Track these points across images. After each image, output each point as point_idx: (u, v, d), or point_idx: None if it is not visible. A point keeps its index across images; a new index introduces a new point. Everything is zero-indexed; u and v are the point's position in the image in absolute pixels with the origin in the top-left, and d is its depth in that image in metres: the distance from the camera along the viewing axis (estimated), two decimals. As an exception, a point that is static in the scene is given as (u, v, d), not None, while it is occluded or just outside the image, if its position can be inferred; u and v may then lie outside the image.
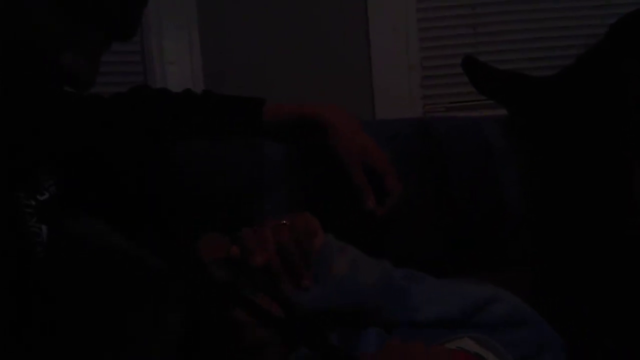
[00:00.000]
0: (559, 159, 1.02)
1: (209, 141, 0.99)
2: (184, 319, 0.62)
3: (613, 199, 0.93)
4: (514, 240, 1.07)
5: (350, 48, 1.54)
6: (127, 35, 0.59)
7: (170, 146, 0.95)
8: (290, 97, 1.01)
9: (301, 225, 0.74)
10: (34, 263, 0.62)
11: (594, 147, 0.97)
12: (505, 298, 0.79)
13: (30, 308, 0.57)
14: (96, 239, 0.62)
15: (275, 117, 0.96)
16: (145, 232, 0.74)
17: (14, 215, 0.62)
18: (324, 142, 0.95)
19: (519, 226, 1.07)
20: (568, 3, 1.56)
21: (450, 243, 1.07)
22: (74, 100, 0.80)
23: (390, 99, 1.51)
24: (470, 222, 1.07)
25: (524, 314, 0.79)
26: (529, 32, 1.57)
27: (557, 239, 1.01)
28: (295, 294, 0.72)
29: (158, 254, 0.65)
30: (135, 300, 0.60)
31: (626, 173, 0.92)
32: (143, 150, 0.90)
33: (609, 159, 0.95)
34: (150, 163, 0.89)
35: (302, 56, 1.53)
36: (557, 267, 1.00)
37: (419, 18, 1.55)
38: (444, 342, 0.69)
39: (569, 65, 1.05)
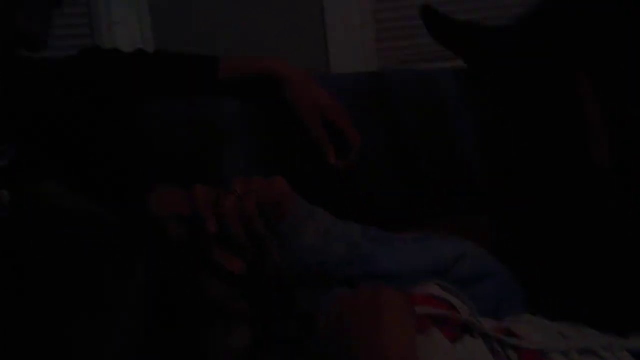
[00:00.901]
0: (515, 110, 1.04)
1: (166, 99, 0.97)
2: (147, 278, 0.62)
3: (569, 148, 0.96)
4: (469, 189, 1.10)
5: (303, 1, 1.51)
6: None
7: (126, 106, 0.94)
8: (242, 52, 1.00)
9: (269, 194, 0.74)
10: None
11: (551, 97, 0.99)
12: (471, 252, 0.81)
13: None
14: (57, 202, 0.61)
15: (231, 73, 0.94)
16: (104, 192, 0.72)
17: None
18: (281, 97, 0.95)
19: (474, 176, 1.09)
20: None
21: (408, 193, 1.08)
22: (27, 64, 0.78)
23: (344, 52, 1.50)
24: (425, 173, 1.09)
25: (487, 268, 0.81)
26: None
27: (513, 186, 1.03)
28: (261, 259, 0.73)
29: (117, 213, 0.64)
30: (98, 261, 0.60)
31: (583, 119, 0.94)
32: (99, 112, 0.88)
33: (565, 107, 0.97)
34: (107, 124, 0.87)
35: (255, 10, 1.50)
36: (512, 214, 1.02)
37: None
38: (412, 288, 0.71)
39: (526, 12, 1.06)
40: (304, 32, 1.51)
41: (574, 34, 0.97)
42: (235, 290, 0.67)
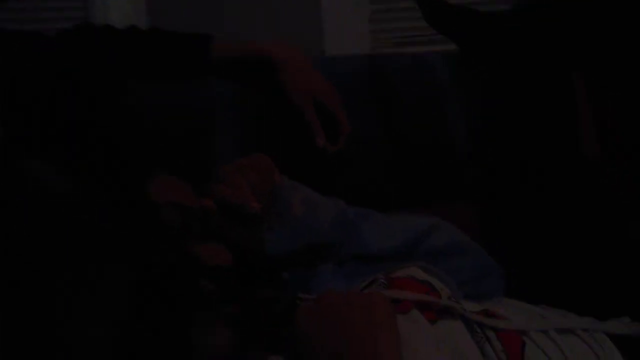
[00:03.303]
0: (506, 97, 1.04)
1: (159, 81, 0.97)
2: (136, 263, 0.63)
3: (559, 137, 0.97)
4: (460, 174, 1.10)
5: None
6: None
7: (118, 86, 0.94)
8: (237, 33, 0.99)
9: (260, 166, 0.75)
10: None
11: (543, 87, 0.99)
12: (445, 228, 0.82)
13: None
14: (43, 181, 0.62)
15: (224, 54, 0.94)
16: (95, 174, 0.73)
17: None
18: (274, 80, 0.95)
19: (465, 160, 1.10)
20: None
21: (398, 177, 1.09)
22: (16, 39, 0.78)
23: (339, 35, 1.50)
24: (416, 157, 1.09)
25: (463, 243, 0.83)
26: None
27: (503, 174, 1.04)
28: (259, 238, 0.73)
29: (109, 197, 0.64)
30: (85, 243, 0.60)
31: (574, 110, 0.95)
32: (91, 91, 0.88)
33: (556, 98, 0.98)
34: (99, 104, 0.88)
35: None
36: (502, 200, 1.03)
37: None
38: (393, 271, 0.72)
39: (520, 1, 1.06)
40: (298, 15, 1.50)
41: (567, 28, 0.98)
42: (222, 285, 0.68)
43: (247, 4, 1.48)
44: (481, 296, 0.78)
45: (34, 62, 0.83)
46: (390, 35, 1.53)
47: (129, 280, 0.60)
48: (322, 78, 0.96)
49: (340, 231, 0.77)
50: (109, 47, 0.92)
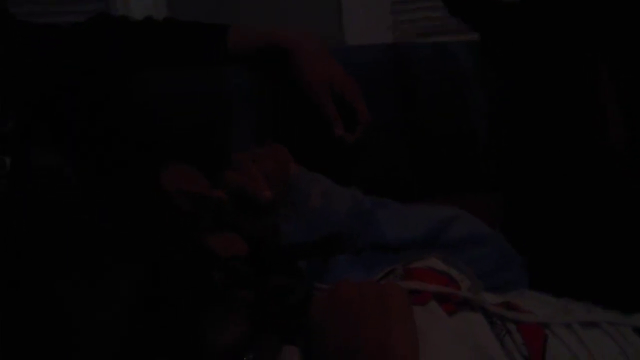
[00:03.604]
0: (529, 86, 1.02)
1: (174, 70, 0.97)
2: (149, 251, 0.62)
3: (582, 127, 0.94)
4: (481, 164, 1.08)
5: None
6: None
7: (133, 76, 0.93)
8: (256, 21, 0.98)
9: (276, 157, 0.73)
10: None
11: (566, 76, 0.97)
12: (465, 218, 0.81)
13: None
14: (55, 170, 0.62)
15: (241, 44, 0.93)
16: (107, 164, 0.73)
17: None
18: (291, 69, 0.94)
19: (486, 151, 1.08)
20: None
21: (418, 168, 1.07)
22: (32, 31, 0.78)
23: (360, 25, 1.48)
24: (437, 147, 1.08)
25: (483, 233, 0.81)
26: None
27: (524, 165, 1.02)
28: (274, 228, 0.72)
29: (122, 187, 0.64)
30: (98, 233, 0.60)
31: (597, 98, 0.92)
32: (105, 81, 0.88)
33: (579, 87, 0.96)
34: (113, 94, 0.87)
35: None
36: (524, 190, 1.01)
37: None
38: (412, 261, 0.71)
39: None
40: (319, 5, 1.49)
41: (590, 15, 0.95)
42: (235, 275, 0.67)
43: (267, -5, 1.47)
44: (502, 288, 0.76)
45: (48, 54, 0.83)
46: (412, 25, 1.51)
47: (140, 272, 0.59)
48: (340, 67, 0.95)
49: (357, 221, 0.76)
50: (124, 37, 0.92)
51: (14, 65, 0.67)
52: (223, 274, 0.67)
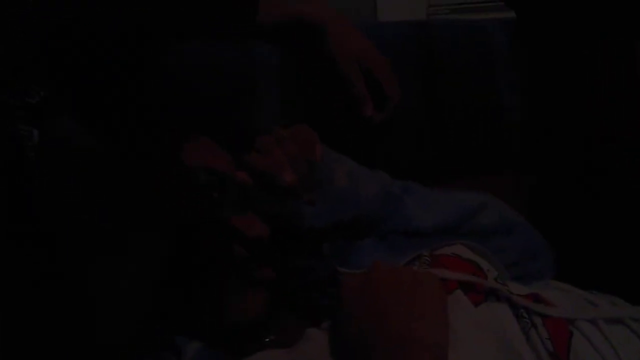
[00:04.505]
0: (564, 63, 0.99)
1: (200, 43, 0.95)
2: (171, 226, 0.62)
3: (619, 111, 0.91)
4: (510, 146, 1.06)
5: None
6: None
7: (160, 47, 0.92)
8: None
9: (301, 137, 0.72)
10: (26, 167, 0.61)
11: (604, 51, 0.94)
12: (494, 205, 0.79)
13: (24, 212, 0.57)
14: (83, 143, 0.61)
15: (270, 18, 0.91)
16: (132, 135, 0.72)
17: (3, 118, 0.61)
18: (320, 45, 0.92)
19: (516, 132, 1.06)
20: None
21: (445, 149, 1.06)
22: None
23: (393, 2, 1.45)
24: (465, 128, 1.06)
25: (512, 221, 0.79)
26: None
27: (557, 148, 1.00)
28: (298, 211, 0.71)
29: (144, 158, 0.63)
30: (122, 205, 0.60)
31: (635, 77, 0.90)
32: (133, 52, 0.87)
33: (618, 62, 0.93)
34: (141, 66, 0.87)
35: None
36: (554, 176, 0.99)
37: None
38: (438, 248, 0.70)
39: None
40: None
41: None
42: (257, 253, 0.67)
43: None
44: (529, 277, 0.74)
45: (77, 23, 0.82)
46: (445, 1, 1.48)
47: (164, 248, 0.59)
48: (369, 43, 0.93)
49: (383, 205, 0.74)
50: (152, 6, 0.90)
51: (41, 34, 0.66)
52: (244, 251, 0.66)
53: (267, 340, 0.67)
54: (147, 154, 0.63)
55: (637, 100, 0.91)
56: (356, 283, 0.58)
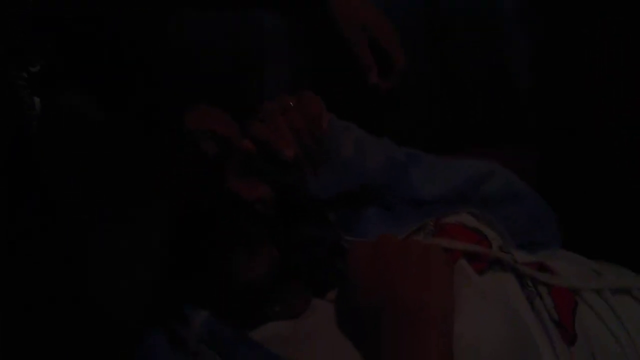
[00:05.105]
0: (579, 30, 0.97)
1: (205, 10, 0.94)
2: (174, 193, 0.61)
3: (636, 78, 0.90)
4: (519, 115, 1.05)
5: None
6: None
7: (164, 15, 0.91)
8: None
9: (308, 107, 0.70)
10: (28, 135, 0.61)
11: (619, 17, 0.92)
12: (501, 173, 0.78)
13: (26, 182, 0.57)
14: (85, 112, 0.61)
15: None
16: (136, 104, 0.71)
17: (5, 87, 0.61)
18: (325, 13, 0.90)
19: (524, 101, 1.05)
20: None
21: (452, 118, 1.05)
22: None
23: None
24: (473, 96, 1.05)
25: (518, 190, 0.78)
26: None
27: (568, 118, 0.98)
28: (302, 181, 0.71)
29: (147, 126, 0.63)
30: (124, 174, 0.59)
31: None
32: (136, 19, 0.86)
33: (635, 29, 0.91)
34: (143, 32, 0.85)
35: None
36: (563, 147, 0.98)
37: None
38: (443, 217, 0.69)
39: None
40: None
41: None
42: (258, 217, 0.66)
43: None
44: (535, 246, 0.74)
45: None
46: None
47: (166, 212, 0.59)
48: (376, 10, 0.91)
49: (389, 174, 0.73)
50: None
51: (42, 3, 0.66)
52: (247, 214, 0.66)
53: (274, 310, 0.67)
54: (149, 121, 0.63)
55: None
56: (364, 253, 0.58)
